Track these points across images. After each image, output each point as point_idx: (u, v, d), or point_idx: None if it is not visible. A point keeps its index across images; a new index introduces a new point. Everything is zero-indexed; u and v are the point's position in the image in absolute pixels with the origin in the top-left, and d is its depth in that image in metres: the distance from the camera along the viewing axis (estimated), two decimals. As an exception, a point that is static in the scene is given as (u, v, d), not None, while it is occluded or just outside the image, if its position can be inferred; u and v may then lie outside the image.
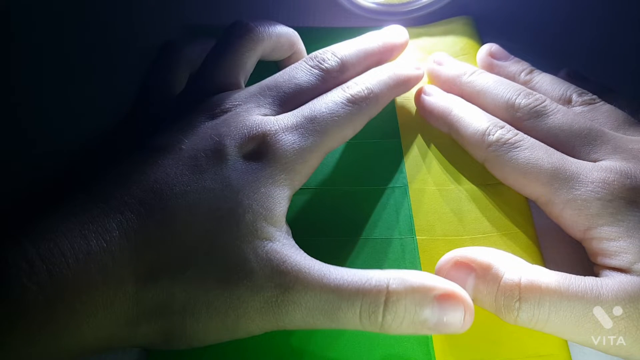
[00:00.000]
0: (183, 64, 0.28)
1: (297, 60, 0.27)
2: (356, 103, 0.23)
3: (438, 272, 0.21)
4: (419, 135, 0.27)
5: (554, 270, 0.21)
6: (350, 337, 0.21)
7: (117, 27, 0.29)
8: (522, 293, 0.19)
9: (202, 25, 0.32)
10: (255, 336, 0.20)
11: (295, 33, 0.27)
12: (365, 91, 0.24)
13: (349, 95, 0.23)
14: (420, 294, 0.19)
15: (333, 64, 0.25)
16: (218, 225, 0.20)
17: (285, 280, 0.19)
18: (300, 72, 0.24)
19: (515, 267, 0.20)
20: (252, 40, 0.25)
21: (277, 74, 0.24)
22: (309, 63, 0.25)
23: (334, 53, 0.25)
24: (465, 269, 0.21)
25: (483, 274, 0.20)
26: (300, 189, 0.23)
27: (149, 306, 0.19)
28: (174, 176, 0.20)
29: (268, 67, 0.27)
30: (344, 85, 0.24)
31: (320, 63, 0.25)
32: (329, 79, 0.24)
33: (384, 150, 0.27)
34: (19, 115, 0.24)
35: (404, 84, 0.26)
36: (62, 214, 0.18)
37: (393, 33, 0.28)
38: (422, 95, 0.28)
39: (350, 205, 0.25)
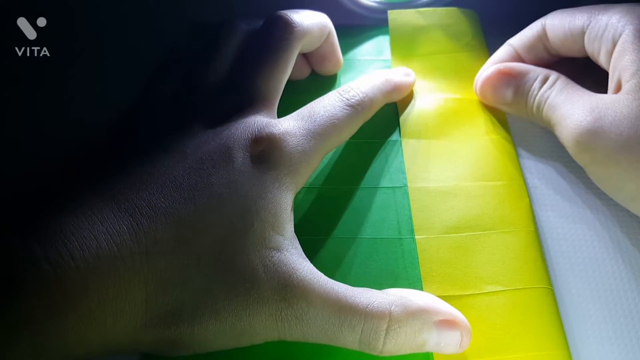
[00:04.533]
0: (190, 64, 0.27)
1: (328, 45, 0.28)
2: (352, 107, 0.24)
3: None
4: (419, 136, 0.27)
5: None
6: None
7: (122, 26, 0.29)
8: None
9: (206, 23, 0.32)
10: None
11: (326, 17, 0.27)
12: (360, 95, 0.24)
13: (345, 99, 0.24)
14: (421, 320, 0.19)
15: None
16: (228, 233, 0.19)
17: (291, 295, 0.19)
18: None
19: None
20: (294, 40, 0.24)
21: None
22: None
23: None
24: None
25: None
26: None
27: (158, 314, 0.18)
28: (181, 179, 0.20)
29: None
30: (340, 90, 0.25)
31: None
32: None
33: (384, 150, 0.27)
34: (24, 112, 0.24)
35: (396, 90, 0.27)
36: (70, 211, 0.18)
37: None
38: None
39: (350, 205, 0.25)
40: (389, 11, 0.32)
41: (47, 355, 0.16)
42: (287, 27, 0.24)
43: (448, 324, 0.20)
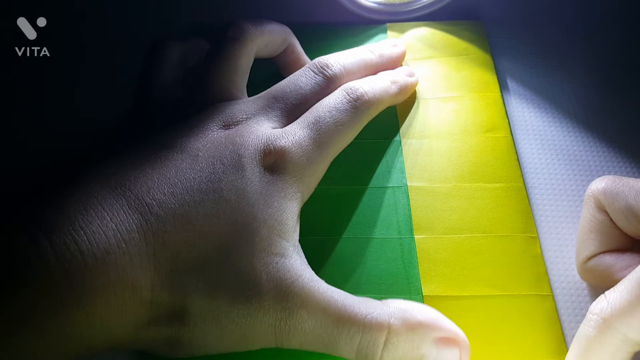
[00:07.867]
0: (176, 60, 0.27)
1: (292, 54, 0.28)
2: (358, 108, 0.24)
3: None
4: (419, 135, 0.27)
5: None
6: None
7: (123, 25, 0.29)
8: None
9: (206, 24, 0.32)
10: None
11: (287, 27, 0.27)
12: (367, 95, 0.24)
13: (352, 100, 0.24)
14: (420, 336, 0.19)
15: (336, 70, 0.25)
16: (234, 238, 0.19)
17: (291, 304, 0.19)
18: (304, 79, 0.25)
19: None
20: (245, 41, 0.25)
21: (283, 83, 0.25)
22: (313, 70, 0.25)
23: (336, 60, 0.25)
24: None
25: None
26: None
27: (161, 314, 0.18)
28: (192, 181, 0.20)
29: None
30: (347, 88, 0.24)
31: (324, 70, 0.25)
32: (332, 86, 0.25)
33: (384, 150, 0.27)
34: (24, 111, 0.25)
35: (401, 91, 0.27)
36: (80, 204, 0.17)
37: (391, 46, 0.29)
38: None
39: (349, 205, 0.25)
40: (387, 24, 0.32)
41: (48, 350, 0.16)
42: (237, 30, 0.25)
43: (448, 341, 0.19)
